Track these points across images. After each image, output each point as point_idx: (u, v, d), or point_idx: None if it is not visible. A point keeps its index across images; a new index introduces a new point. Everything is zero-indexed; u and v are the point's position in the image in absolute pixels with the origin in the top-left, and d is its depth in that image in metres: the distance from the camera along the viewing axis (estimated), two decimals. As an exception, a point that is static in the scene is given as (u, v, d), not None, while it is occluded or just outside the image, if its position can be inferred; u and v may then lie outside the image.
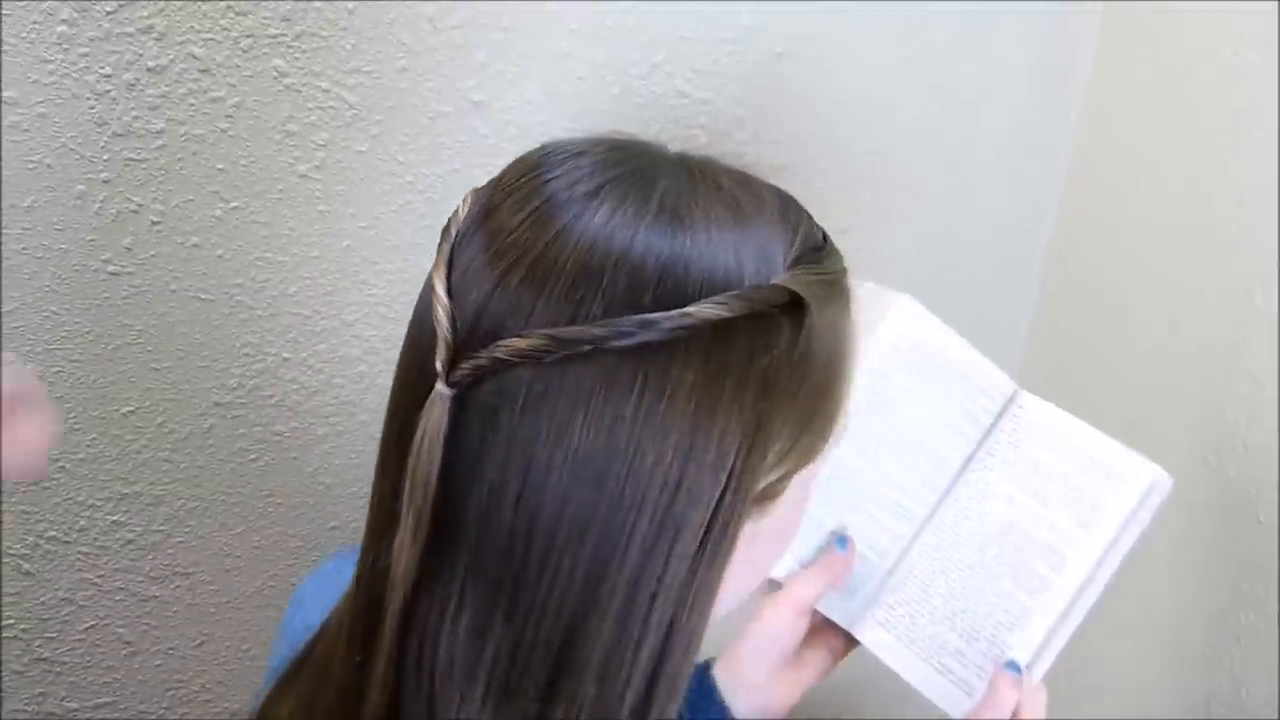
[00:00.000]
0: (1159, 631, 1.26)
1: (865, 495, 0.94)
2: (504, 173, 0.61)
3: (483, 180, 1.08)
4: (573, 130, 1.14)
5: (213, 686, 1.31)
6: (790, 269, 0.57)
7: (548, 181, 0.57)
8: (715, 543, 0.57)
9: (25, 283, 1.05)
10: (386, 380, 1.24)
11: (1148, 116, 1.28)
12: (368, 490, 1.33)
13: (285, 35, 1.04)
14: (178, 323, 1.12)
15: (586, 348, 0.52)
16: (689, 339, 0.53)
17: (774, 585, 0.91)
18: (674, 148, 0.64)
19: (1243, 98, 1.12)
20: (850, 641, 0.93)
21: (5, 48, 0.97)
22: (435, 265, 0.58)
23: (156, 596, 1.24)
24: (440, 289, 0.56)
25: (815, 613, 0.91)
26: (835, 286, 0.60)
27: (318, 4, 1.03)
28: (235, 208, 1.09)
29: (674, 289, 0.54)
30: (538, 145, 0.63)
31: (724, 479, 0.55)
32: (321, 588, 0.82)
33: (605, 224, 0.55)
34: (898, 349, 0.92)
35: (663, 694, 0.58)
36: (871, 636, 0.92)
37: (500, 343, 0.53)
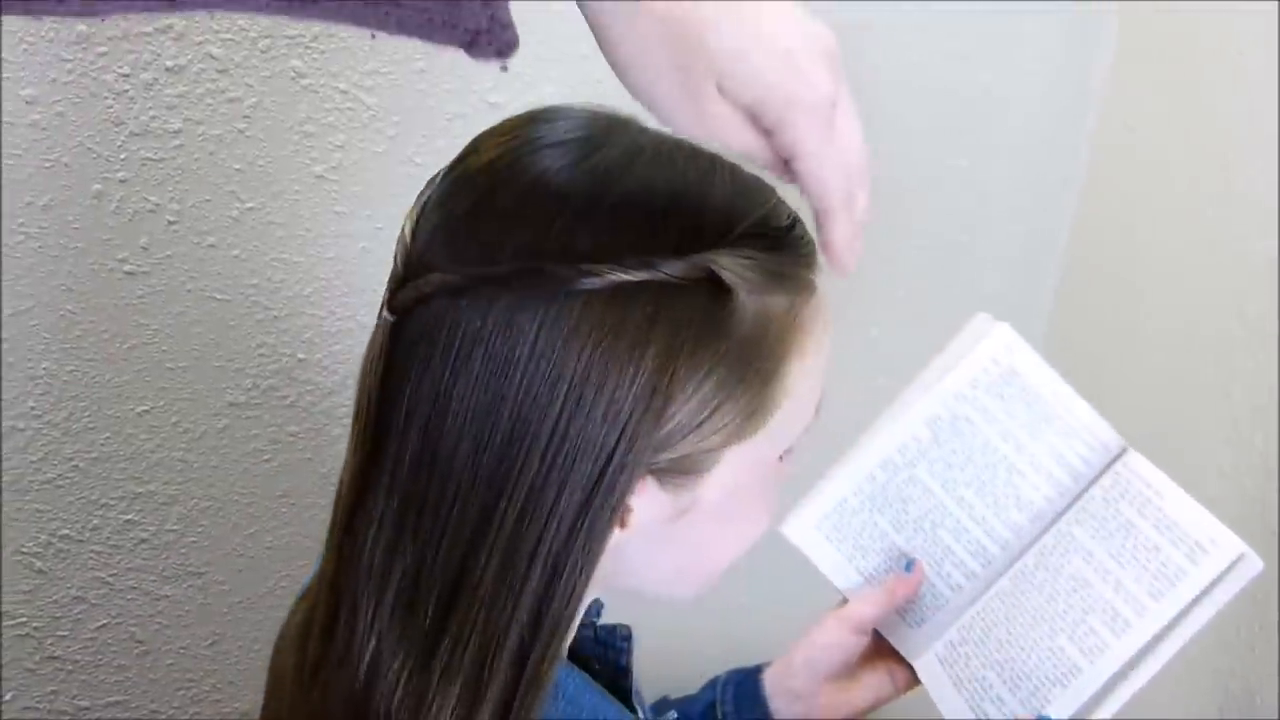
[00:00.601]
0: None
1: (941, 523, 0.93)
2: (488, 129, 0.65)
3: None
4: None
5: (224, 686, 1.32)
6: (724, 249, 0.58)
7: (514, 135, 0.62)
8: (605, 494, 0.58)
9: (42, 281, 1.05)
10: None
11: (1165, 118, 1.27)
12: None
13: (303, 36, 1.04)
14: (193, 322, 1.12)
15: (489, 287, 0.55)
16: (590, 294, 0.55)
17: (840, 600, 0.92)
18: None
19: (1259, 98, 1.12)
20: (915, 675, 0.91)
21: (25, 46, 0.97)
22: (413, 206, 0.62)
23: (169, 596, 1.24)
24: (407, 226, 0.60)
25: (883, 638, 0.90)
26: (779, 277, 0.61)
27: (336, 5, 1.03)
28: (252, 208, 1.09)
29: (592, 246, 0.56)
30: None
31: (616, 434, 0.57)
32: None
33: (544, 173, 0.58)
34: (989, 373, 0.90)
35: (545, 634, 0.60)
36: (927, 670, 0.91)
37: (432, 276, 0.56)
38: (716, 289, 0.58)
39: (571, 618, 0.61)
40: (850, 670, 0.91)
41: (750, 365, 0.60)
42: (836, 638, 0.89)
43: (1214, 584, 0.85)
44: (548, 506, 0.57)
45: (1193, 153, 1.22)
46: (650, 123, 0.63)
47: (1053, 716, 0.86)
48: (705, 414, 0.60)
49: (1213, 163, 1.19)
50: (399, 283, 0.58)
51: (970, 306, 1.42)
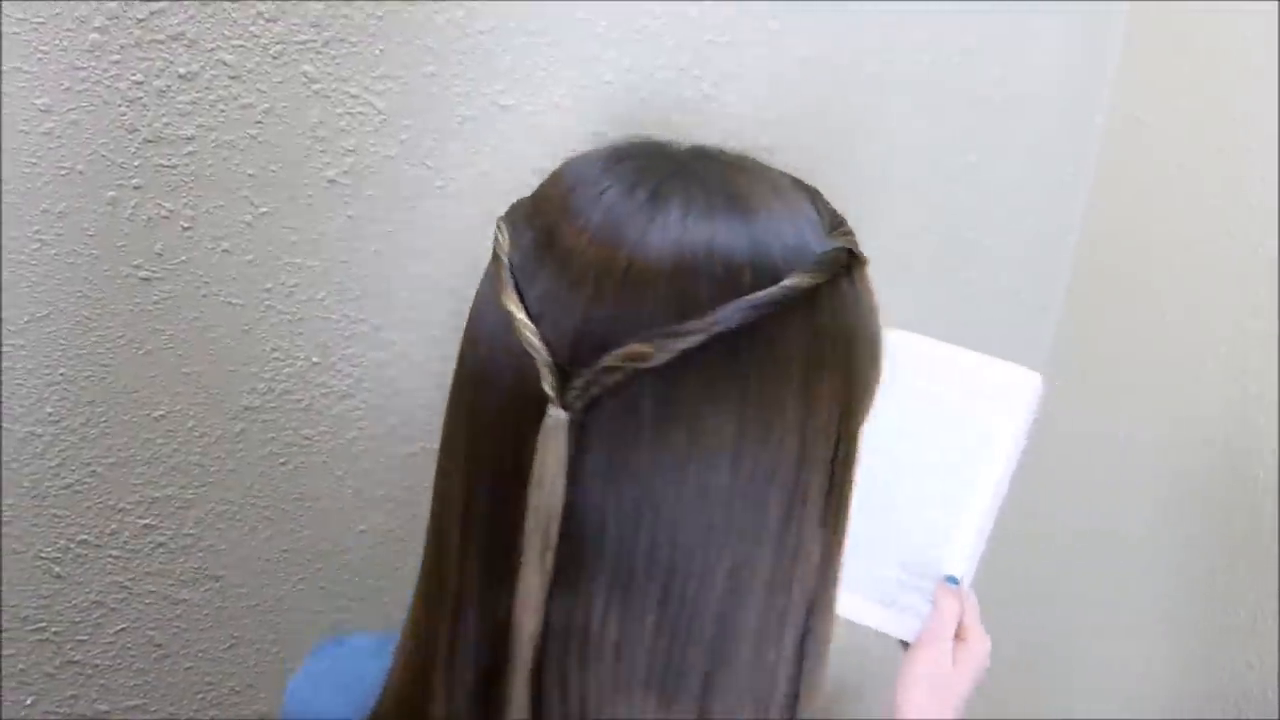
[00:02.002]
0: (1189, 634, 1.25)
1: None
2: (543, 194, 0.62)
3: (512, 184, 1.09)
4: (601, 134, 1.15)
5: (242, 689, 1.32)
6: (831, 231, 0.60)
7: (602, 194, 0.57)
8: (836, 506, 0.59)
9: (58, 288, 1.06)
10: (415, 384, 1.24)
11: (1175, 114, 1.27)
12: (397, 494, 1.34)
13: (315, 41, 1.04)
14: (208, 327, 1.12)
15: (701, 337, 0.52)
16: (789, 312, 0.54)
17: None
18: (680, 143, 0.65)
19: (1268, 94, 1.12)
20: None
21: (39, 55, 0.98)
22: (501, 294, 0.57)
23: (187, 600, 1.24)
24: (523, 315, 0.55)
25: None
26: (858, 240, 0.62)
27: (346, 10, 1.04)
28: (265, 213, 1.09)
29: (766, 267, 0.55)
30: (562, 162, 0.64)
31: (834, 439, 0.57)
32: (321, 692, 0.80)
33: (682, 220, 0.55)
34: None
35: (812, 660, 0.59)
36: (844, 608, 0.95)
37: (617, 352, 0.52)
38: (850, 268, 0.58)
39: (830, 639, 0.60)
40: None
41: (878, 333, 0.62)
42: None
43: (1026, 414, 0.95)
44: (795, 532, 0.56)
45: (1202, 148, 1.23)
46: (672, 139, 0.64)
47: (955, 573, 0.95)
48: (868, 394, 0.61)
49: (1222, 158, 1.19)
50: (562, 374, 0.53)
51: (981, 303, 1.43)
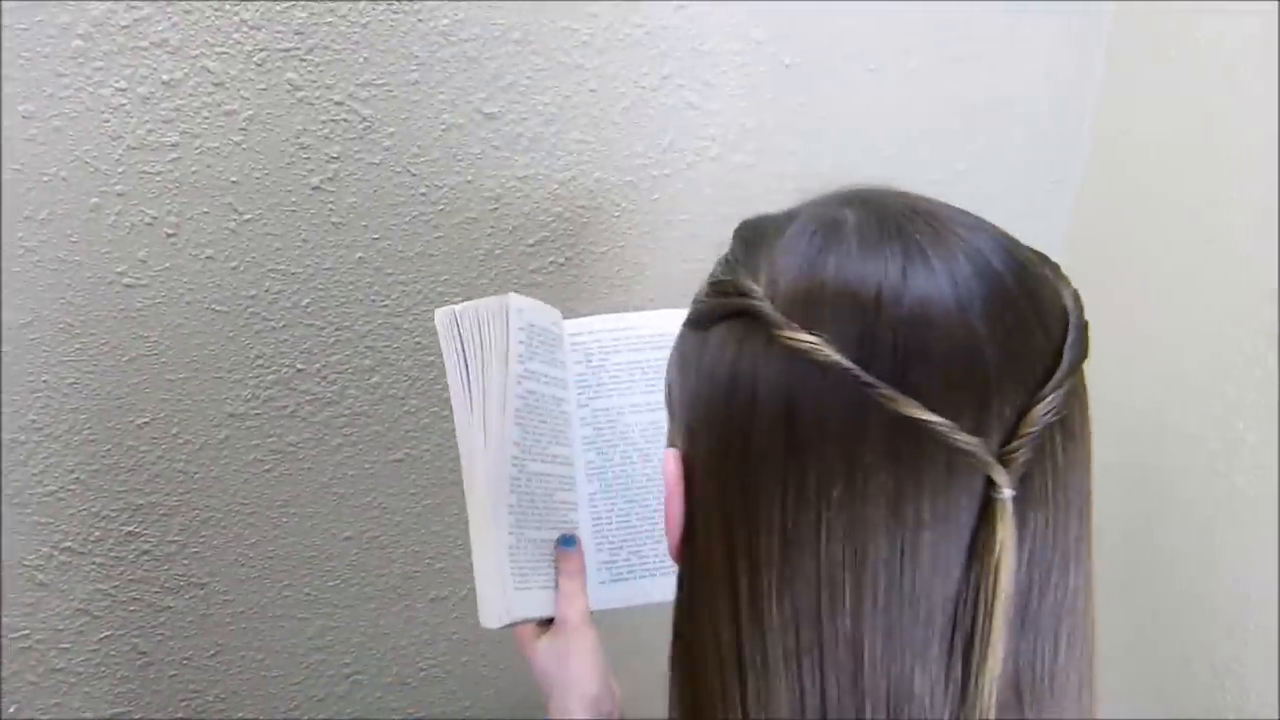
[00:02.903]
0: (1168, 637, 1.26)
1: (557, 488, 0.97)
2: (864, 283, 0.57)
3: (496, 192, 1.08)
4: (585, 142, 1.15)
5: (227, 697, 1.32)
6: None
7: (905, 274, 0.57)
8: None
9: (41, 295, 1.06)
10: (399, 391, 1.24)
11: (1161, 123, 1.28)
12: (382, 500, 1.34)
13: (298, 49, 1.04)
14: (192, 334, 1.12)
15: (1071, 378, 0.56)
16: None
17: (546, 624, 0.95)
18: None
19: (1254, 102, 1.13)
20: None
21: (22, 62, 0.98)
22: (895, 406, 0.54)
23: (171, 607, 1.24)
24: (936, 417, 0.54)
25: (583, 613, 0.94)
26: None
27: (331, 18, 1.04)
28: (249, 220, 1.09)
29: (1056, 288, 0.61)
30: (800, 246, 0.61)
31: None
32: None
33: (1004, 270, 0.59)
34: (522, 343, 0.92)
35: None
36: (615, 595, 0.98)
37: (1043, 406, 0.54)
38: None
39: None
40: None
41: None
42: (591, 635, 0.93)
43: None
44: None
45: (1189, 154, 1.23)
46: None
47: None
48: None
49: (1208, 165, 1.20)
50: (998, 455, 0.54)
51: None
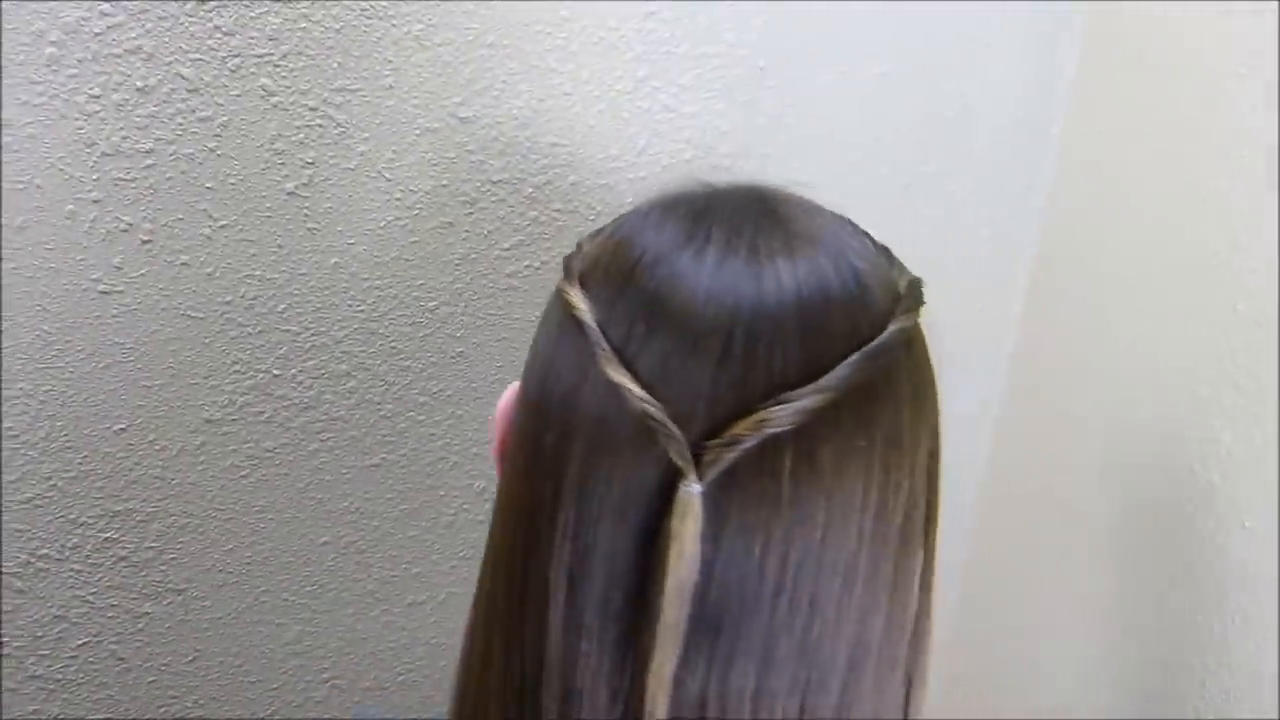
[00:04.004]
0: (1144, 637, 1.26)
1: None
2: (626, 258, 0.59)
3: (472, 196, 1.09)
4: (560, 145, 1.16)
5: (206, 702, 1.32)
6: (892, 265, 0.61)
7: (697, 255, 0.56)
8: (932, 537, 0.58)
9: (16, 302, 1.06)
10: (376, 396, 1.24)
11: (1131, 127, 1.29)
12: (360, 505, 1.34)
13: (272, 54, 1.04)
14: (168, 340, 1.12)
15: (834, 395, 0.52)
16: (899, 354, 0.55)
17: None
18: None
19: (1226, 106, 1.13)
20: None
21: (-5, 70, 0.98)
22: (603, 365, 0.54)
23: (149, 613, 1.24)
24: (637, 388, 0.53)
25: None
26: None
27: (304, 23, 1.04)
28: (224, 226, 1.09)
29: (877, 312, 0.55)
30: (632, 213, 0.62)
31: (930, 475, 0.57)
32: None
33: (793, 274, 0.55)
34: None
35: (917, 694, 0.59)
36: None
37: (751, 418, 0.51)
38: (919, 307, 0.59)
39: (929, 674, 0.60)
40: None
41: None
42: None
43: None
44: (909, 581, 0.56)
45: (1160, 157, 1.24)
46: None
47: None
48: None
49: (1178, 166, 1.21)
50: (692, 446, 0.52)
51: (939, 314, 1.44)
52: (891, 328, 0.55)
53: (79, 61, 1.00)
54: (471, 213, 1.16)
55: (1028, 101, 1.37)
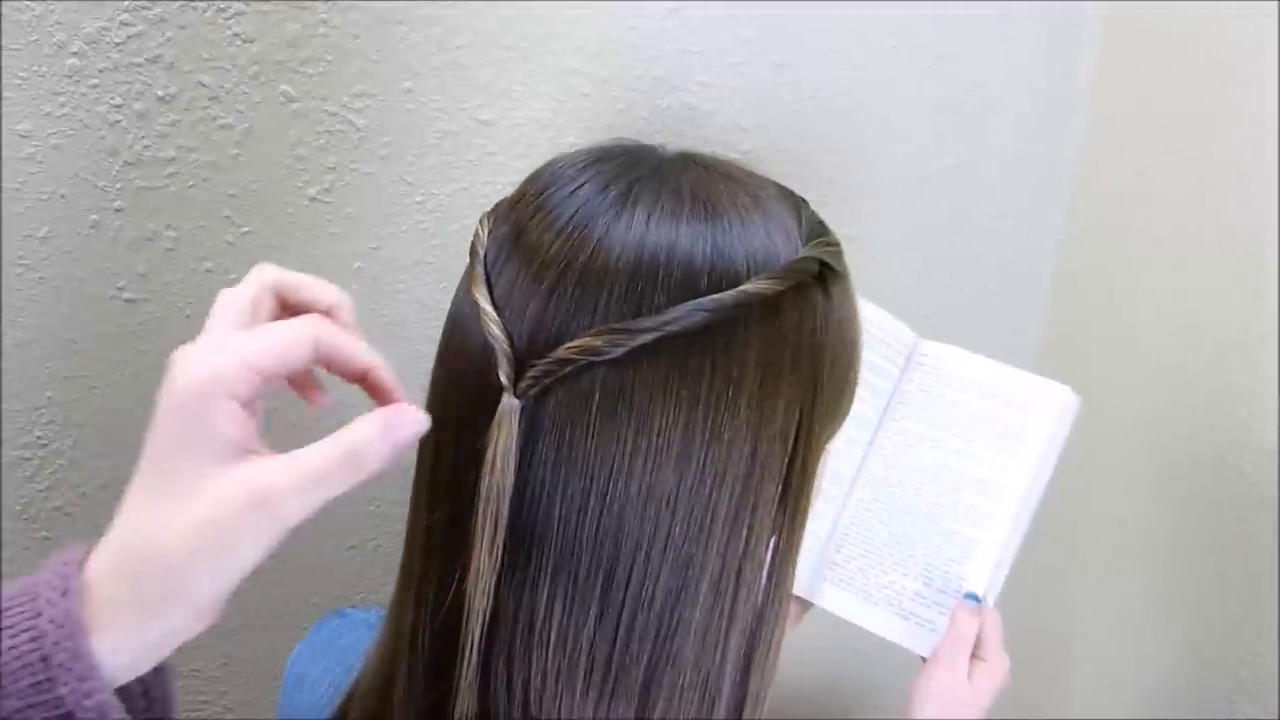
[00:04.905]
0: (1180, 630, 1.26)
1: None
2: (521, 191, 0.63)
3: (492, 198, 1.09)
4: (580, 145, 1.15)
5: (236, 707, 1.32)
6: (808, 242, 0.60)
7: (574, 192, 0.59)
8: (791, 514, 0.59)
9: (43, 311, 1.06)
10: (401, 399, 1.23)
11: (1152, 120, 1.28)
12: (385, 509, 1.33)
13: (292, 61, 1.05)
14: (193, 347, 1.12)
15: (653, 335, 0.54)
16: (747, 317, 0.55)
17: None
18: (665, 147, 0.66)
19: (1245, 99, 1.13)
20: (804, 604, 0.98)
21: (18, 82, 0.98)
22: (472, 286, 0.59)
23: (179, 619, 1.24)
24: (487, 306, 0.57)
25: None
26: (841, 254, 0.63)
27: (323, 29, 1.04)
28: (247, 232, 1.10)
29: (726, 272, 0.56)
30: (544, 162, 0.64)
31: (790, 449, 0.58)
32: (318, 660, 0.83)
33: (647, 221, 0.57)
34: None
35: (759, 667, 0.59)
36: (829, 598, 0.98)
37: (570, 344, 0.54)
38: (823, 278, 0.60)
39: (780, 646, 0.60)
40: None
41: (854, 346, 0.63)
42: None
43: (1055, 429, 0.95)
44: (743, 537, 0.57)
45: (1181, 148, 1.23)
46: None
47: (976, 590, 0.94)
48: (834, 407, 0.62)
49: (1199, 157, 1.20)
50: (517, 364, 0.55)
51: (963, 308, 1.43)
52: (743, 287, 0.56)
53: (100, 71, 1.00)
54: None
55: (1048, 93, 1.37)
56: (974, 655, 0.93)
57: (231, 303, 0.59)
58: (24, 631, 0.47)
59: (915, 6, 1.24)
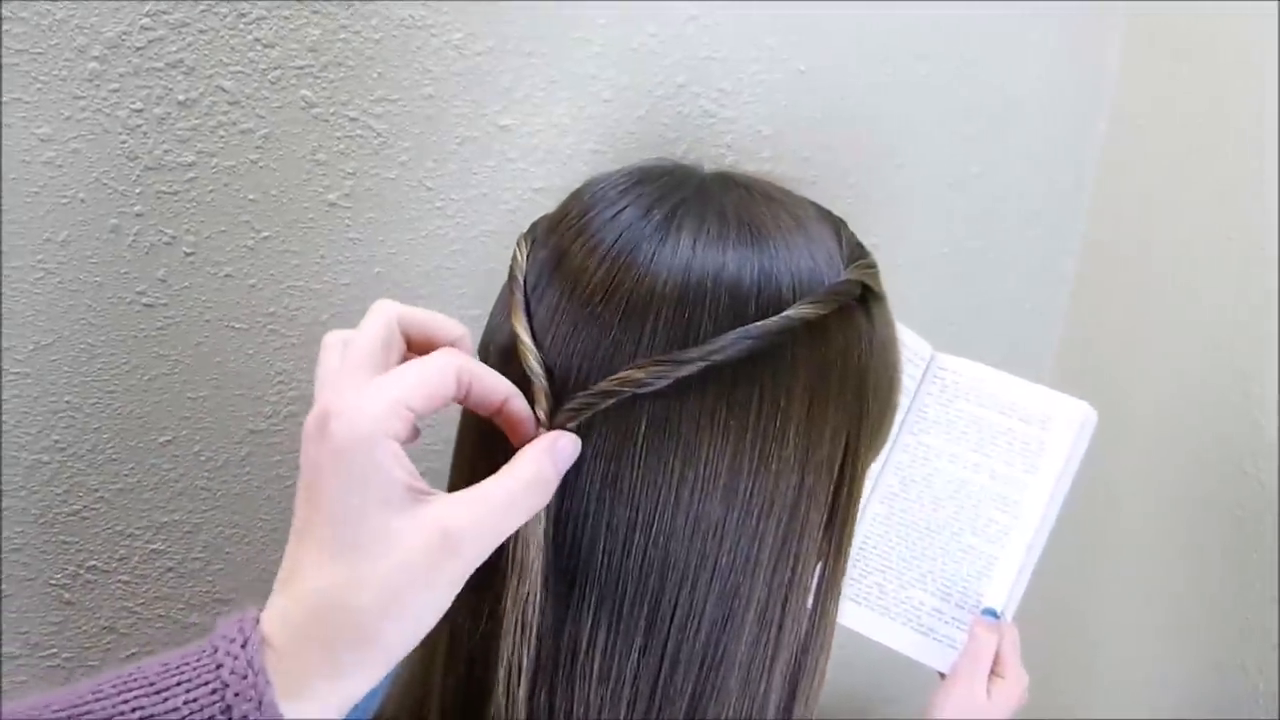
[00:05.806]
0: (1200, 639, 1.25)
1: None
2: (561, 212, 0.62)
3: (513, 204, 1.09)
4: (600, 152, 1.15)
5: None
6: (849, 264, 0.60)
7: (617, 215, 0.58)
8: (837, 542, 0.58)
9: (62, 316, 1.06)
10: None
11: (1175, 123, 1.27)
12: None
13: (312, 66, 1.04)
14: (212, 352, 1.13)
15: (699, 365, 0.53)
16: (793, 342, 0.55)
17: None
18: (704, 167, 0.65)
19: (1269, 100, 1.12)
20: None
21: (38, 86, 0.98)
22: (512, 314, 0.58)
23: (196, 624, 1.24)
24: (527, 338, 0.56)
25: None
26: (879, 275, 0.62)
27: (344, 35, 1.04)
28: (267, 237, 1.10)
29: (773, 297, 0.55)
30: (582, 182, 0.63)
31: (836, 475, 0.57)
32: None
33: (693, 245, 0.56)
34: None
35: (803, 696, 0.59)
36: (847, 613, 0.98)
37: (613, 376, 0.53)
38: (865, 301, 0.59)
39: (824, 675, 0.60)
40: None
41: (895, 368, 0.62)
42: None
43: (1074, 444, 0.94)
44: (789, 565, 0.56)
45: (1204, 151, 1.23)
46: (672, 156, 0.64)
47: (994, 606, 0.94)
48: (879, 431, 0.61)
49: (1223, 161, 1.19)
50: (555, 399, 0.55)
51: (987, 311, 1.43)
52: (788, 313, 0.55)
53: (121, 76, 1.00)
54: (513, 220, 1.16)
55: (1073, 98, 1.36)
56: (993, 672, 0.92)
57: (361, 346, 0.56)
58: (204, 685, 0.46)
59: (937, 11, 1.24)
